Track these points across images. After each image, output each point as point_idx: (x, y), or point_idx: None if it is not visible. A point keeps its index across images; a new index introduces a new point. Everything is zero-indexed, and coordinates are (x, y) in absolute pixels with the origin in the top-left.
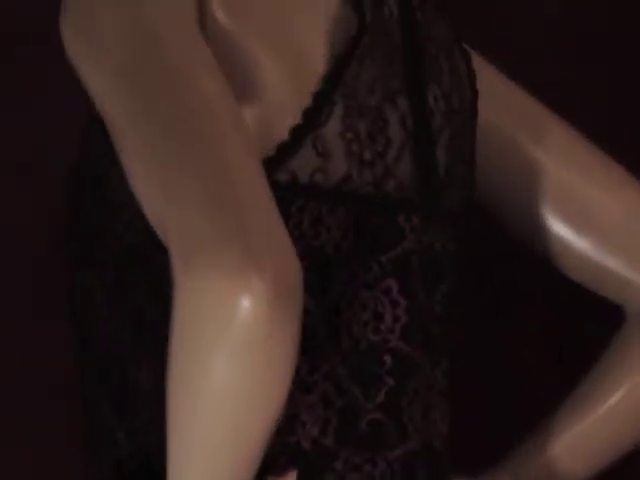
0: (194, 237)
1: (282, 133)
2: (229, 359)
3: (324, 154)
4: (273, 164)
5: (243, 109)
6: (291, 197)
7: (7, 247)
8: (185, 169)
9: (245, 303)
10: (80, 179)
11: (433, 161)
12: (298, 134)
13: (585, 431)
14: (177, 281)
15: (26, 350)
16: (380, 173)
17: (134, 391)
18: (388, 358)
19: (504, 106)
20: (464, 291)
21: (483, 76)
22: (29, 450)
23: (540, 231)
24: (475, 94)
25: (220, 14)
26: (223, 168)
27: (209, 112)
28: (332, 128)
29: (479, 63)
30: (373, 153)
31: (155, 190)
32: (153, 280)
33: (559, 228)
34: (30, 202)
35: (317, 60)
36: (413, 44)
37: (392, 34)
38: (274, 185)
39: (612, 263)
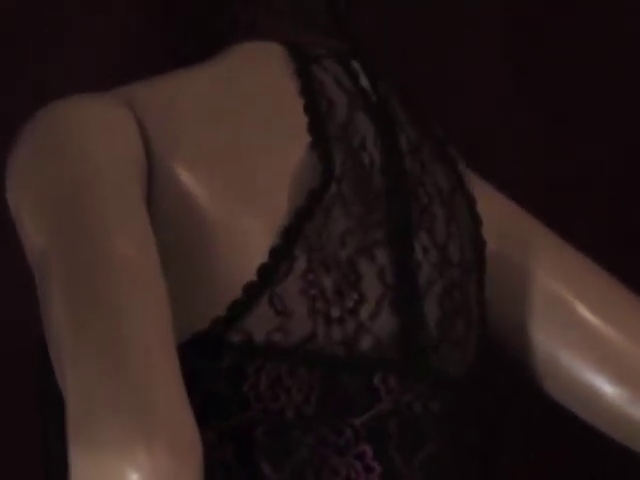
0: (87, 405)
1: (238, 291)
2: None
3: (283, 312)
4: (226, 323)
5: (197, 265)
6: (246, 358)
7: None
8: (88, 334)
9: (133, 478)
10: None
11: (418, 316)
12: (253, 292)
13: None
14: (69, 449)
15: None
16: (352, 331)
17: None
18: None
19: (509, 234)
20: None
21: (481, 200)
22: None
23: (565, 378)
24: (482, 243)
25: (186, 177)
26: (123, 338)
27: (125, 282)
28: (292, 285)
29: (478, 188)
30: (342, 310)
31: (61, 347)
32: None
33: (591, 378)
34: None
35: (279, 214)
36: (398, 192)
37: (372, 183)
38: (227, 346)
39: None
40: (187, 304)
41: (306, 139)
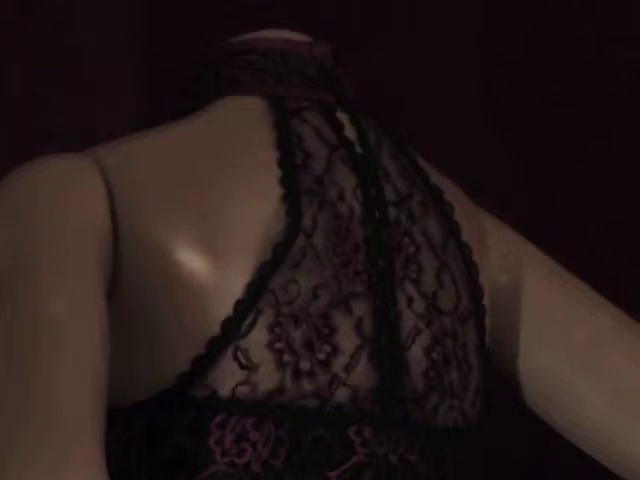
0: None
1: (202, 346)
2: None
3: (248, 366)
4: (189, 379)
5: (167, 322)
6: (209, 413)
7: None
8: (6, 394)
9: None
10: None
11: (399, 367)
12: (216, 346)
13: None
14: None
15: None
16: (325, 383)
17: None
18: None
19: (522, 269)
20: None
21: (493, 234)
22: None
23: (581, 418)
24: (478, 290)
25: (157, 229)
26: (38, 401)
27: (48, 348)
28: (256, 338)
29: (489, 223)
30: (312, 363)
31: None
32: None
33: (612, 425)
34: None
35: (248, 268)
36: (380, 243)
37: (351, 234)
38: (190, 401)
39: None
40: (157, 360)
41: (279, 192)
